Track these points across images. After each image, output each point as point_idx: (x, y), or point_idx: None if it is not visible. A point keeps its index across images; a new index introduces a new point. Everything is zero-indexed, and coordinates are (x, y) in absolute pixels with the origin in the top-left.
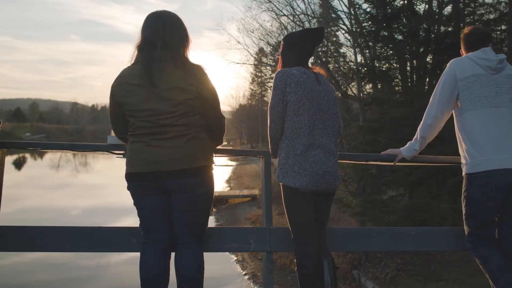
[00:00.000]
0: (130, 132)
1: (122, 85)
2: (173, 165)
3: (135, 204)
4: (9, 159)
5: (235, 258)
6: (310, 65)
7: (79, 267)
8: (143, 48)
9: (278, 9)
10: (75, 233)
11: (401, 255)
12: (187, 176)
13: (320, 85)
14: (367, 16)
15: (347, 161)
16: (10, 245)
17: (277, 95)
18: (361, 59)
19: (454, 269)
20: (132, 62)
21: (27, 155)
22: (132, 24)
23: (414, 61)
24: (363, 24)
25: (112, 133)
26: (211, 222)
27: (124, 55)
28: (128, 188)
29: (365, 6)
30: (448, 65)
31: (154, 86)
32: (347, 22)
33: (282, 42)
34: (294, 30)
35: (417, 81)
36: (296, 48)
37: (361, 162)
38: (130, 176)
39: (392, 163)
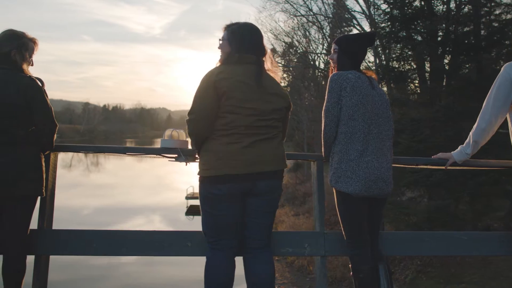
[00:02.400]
0: (222, 131)
1: (229, 80)
2: (266, 166)
3: (209, 209)
4: None
5: None
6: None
7: (89, 267)
8: (244, 52)
9: (294, 9)
10: (130, 237)
11: (421, 257)
12: (275, 178)
13: (374, 90)
14: (386, 17)
15: (396, 165)
16: (66, 249)
17: (332, 98)
18: (377, 60)
19: (475, 272)
20: (218, 64)
21: None
22: (143, 24)
23: (432, 63)
24: (381, 25)
25: (166, 136)
26: None
27: (135, 56)
28: (209, 191)
29: (384, 7)
30: (502, 68)
31: (261, 87)
32: (362, 23)
33: (334, 46)
34: (347, 34)
35: (436, 83)
36: (351, 52)
37: (410, 166)
38: (220, 179)
39: (444, 167)
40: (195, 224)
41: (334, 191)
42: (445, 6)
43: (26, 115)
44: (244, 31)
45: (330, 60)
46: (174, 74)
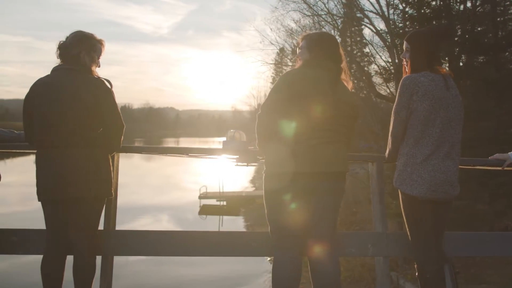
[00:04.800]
0: (289, 130)
1: (305, 81)
2: (329, 167)
3: (275, 207)
4: (31, 158)
5: (269, 259)
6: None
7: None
8: (323, 59)
9: (309, 7)
10: (195, 238)
11: None
12: (338, 179)
13: (449, 91)
14: (406, 16)
15: None
16: (132, 250)
17: (402, 102)
18: (396, 60)
19: (494, 272)
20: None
21: None
22: (151, 24)
23: (450, 62)
24: (399, 25)
25: (228, 138)
26: (240, 223)
27: (143, 55)
28: (275, 188)
29: (401, 7)
30: None
31: (335, 94)
32: (377, 23)
33: (406, 44)
34: (418, 29)
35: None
36: (426, 50)
37: (467, 167)
38: (286, 177)
39: (501, 168)
40: (208, 223)
41: (400, 192)
42: (462, 5)
43: (96, 117)
44: (323, 39)
45: (403, 59)
46: (182, 74)
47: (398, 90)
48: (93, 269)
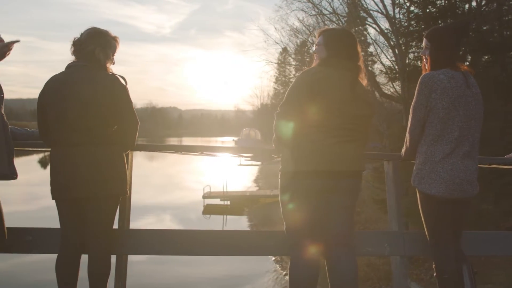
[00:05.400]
0: (308, 129)
1: (324, 81)
2: (347, 165)
3: (292, 205)
4: (35, 158)
5: (274, 259)
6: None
7: None
8: (342, 57)
9: (314, 6)
10: (212, 237)
11: None
12: (355, 177)
13: (469, 89)
14: (411, 15)
15: None
16: (148, 249)
17: (420, 100)
18: (394, 59)
19: (500, 272)
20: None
21: None
22: (154, 24)
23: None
24: (404, 24)
25: (243, 136)
26: (244, 222)
27: (146, 55)
28: (292, 186)
29: (406, 6)
30: None
31: (354, 93)
32: (381, 22)
33: (426, 41)
34: (437, 26)
35: None
36: (446, 47)
37: (483, 166)
38: (303, 175)
39: None
40: (211, 223)
41: (417, 191)
42: (467, 4)
43: (111, 114)
44: (341, 37)
45: (422, 56)
46: (185, 74)
47: (417, 87)
48: (108, 268)
